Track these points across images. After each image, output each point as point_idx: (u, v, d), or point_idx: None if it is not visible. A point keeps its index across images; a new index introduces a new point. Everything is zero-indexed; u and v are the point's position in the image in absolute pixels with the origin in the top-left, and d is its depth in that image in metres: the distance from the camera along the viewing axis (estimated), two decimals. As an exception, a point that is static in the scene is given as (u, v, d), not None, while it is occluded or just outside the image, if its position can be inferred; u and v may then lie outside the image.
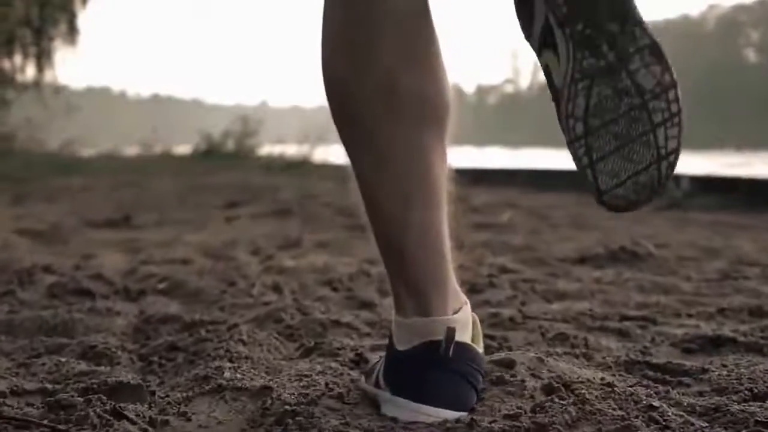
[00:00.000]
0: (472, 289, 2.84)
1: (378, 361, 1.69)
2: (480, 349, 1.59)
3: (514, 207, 6.75)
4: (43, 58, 21.96)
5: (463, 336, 1.54)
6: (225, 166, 13.52)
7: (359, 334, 2.30)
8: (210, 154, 16.74)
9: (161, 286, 3.05)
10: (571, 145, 1.43)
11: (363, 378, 1.72)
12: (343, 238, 4.65)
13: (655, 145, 1.40)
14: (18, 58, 21.87)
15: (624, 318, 2.49)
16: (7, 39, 21.00)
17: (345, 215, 5.71)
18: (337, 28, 1.52)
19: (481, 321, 1.69)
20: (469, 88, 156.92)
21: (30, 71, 21.54)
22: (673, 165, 1.42)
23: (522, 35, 1.52)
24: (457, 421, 1.47)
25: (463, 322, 1.55)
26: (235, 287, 3.01)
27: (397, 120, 1.50)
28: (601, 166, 1.41)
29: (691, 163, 15.34)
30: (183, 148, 18.88)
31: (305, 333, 2.28)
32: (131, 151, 19.65)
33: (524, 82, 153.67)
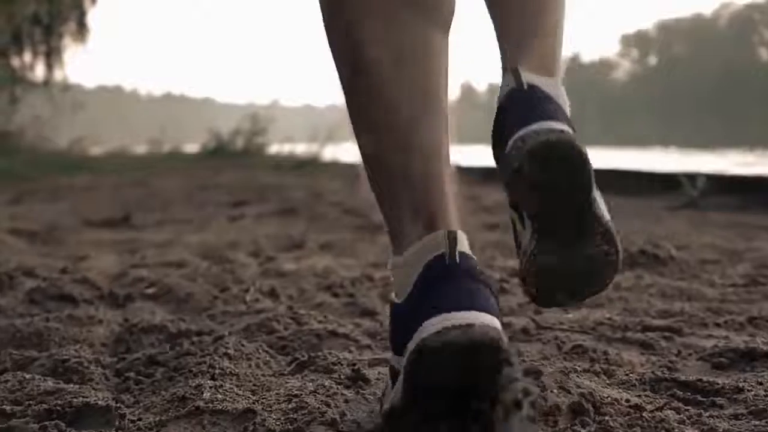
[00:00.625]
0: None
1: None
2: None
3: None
4: (52, 55, 21.90)
5: (464, 248, 1.34)
6: (233, 165, 13.36)
7: (358, 346, 2.11)
8: (219, 153, 16.59)
9: (150, 291, 2.86)
10: (524, 281, 1.53)
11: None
12: (348, 239, 4.46)
13: (601, 281, 1.56)
14: (27, 56, 21.83)
15: (646, 328, 2.29)
16: (16, 36, 20.94)
17: (352, 215, 5.53)
18: None
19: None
20: (481, 87, 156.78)
21: (40, 69, 21.49)
22: (613, 264, 1.54)
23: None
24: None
25: (463, 239, 1.35)
26: (228, 293, 2.82)
27: (409, 17, 1.42)
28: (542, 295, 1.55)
29: (705, 162, 15.13)
30: (192, 147, 18.76)
31: (299, 345, 2.09)
32: (140, 149, 19.55)
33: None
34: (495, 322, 1.24)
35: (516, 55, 1.58)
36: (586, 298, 1.59)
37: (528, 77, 1.54)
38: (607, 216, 1.53)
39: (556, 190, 1.46)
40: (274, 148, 17.04)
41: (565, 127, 1.49)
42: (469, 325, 1.18)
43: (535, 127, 1.47)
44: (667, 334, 2.22)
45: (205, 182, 9.70)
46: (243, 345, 1.98)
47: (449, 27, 1.47)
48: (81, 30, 22.23)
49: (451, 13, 1.48)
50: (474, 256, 1.32)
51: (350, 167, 10.71)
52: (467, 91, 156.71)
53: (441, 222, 1.36)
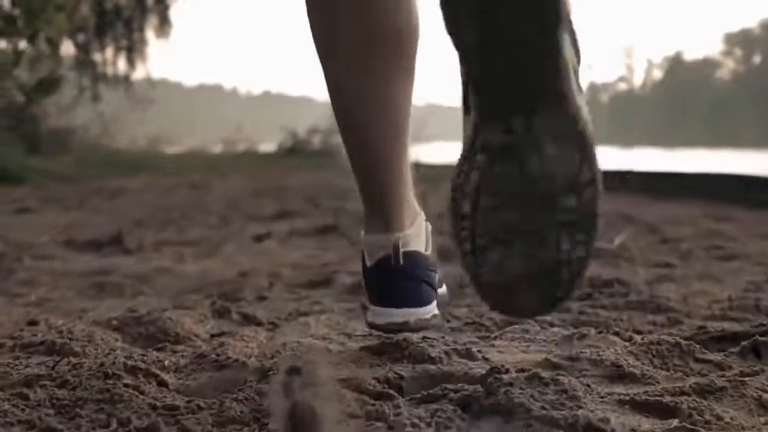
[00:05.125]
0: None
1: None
2: (427, 251, 1.76)
3: (628, 222, 5.30)
4: (134, 51, 21.37)
5: (417, 245, 1.74)
6: (307, 166, 12.36)
7: None
8: (295, 152, 15.62)
9: None
10: (454, 226, 1.28)
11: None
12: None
13: (555, 248, 1.21)
14: (109, 51, 21.31)
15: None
16: (99, 31, 20.47)
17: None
18: None
19: None
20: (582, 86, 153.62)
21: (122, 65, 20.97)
22: (576, 275, 1.23)
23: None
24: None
25: (416, 231, 1.75)
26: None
27: (366, 50, 1.60)
28: (484, 256, 1.25)
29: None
30: (270, 146, 17.87)
31: None
32: (216, 148, 18.75)
33: (637, 80, 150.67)
34: (425, 311, 1.70)
35: None
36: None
37: None
38: (581, 97, 1.24)
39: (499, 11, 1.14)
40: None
41: None
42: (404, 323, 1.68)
43: None
44: None
45: (264, 186, 8.69)
46: None
47: (412, 56, 1.64)
48: (163, 24, 21.64)
49: (415, 41, 1.64)
50: (417, 249, 1.73)
51: (431, 168, 9.57)
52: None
53: (392, 226, 1.72)
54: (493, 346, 1.90)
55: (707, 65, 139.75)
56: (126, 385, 1.44)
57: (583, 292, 2.89)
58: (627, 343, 1.84)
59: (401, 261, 1.70)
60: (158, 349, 1.85)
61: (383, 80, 1.63)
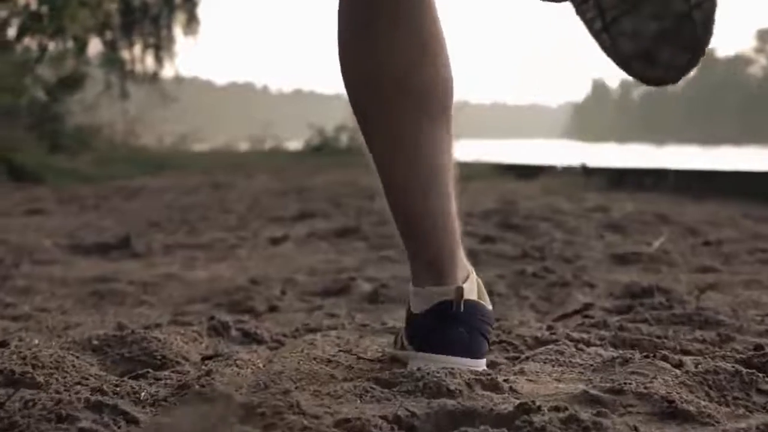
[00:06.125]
0: None
1: (400, 330, 1.81)
2: (488, 305, 1.69)
3: (666, 223, 5.03)
4: (161, 48, 21.22)
5: (470, 294, 1.65)
6: (333, 164, 12.10)
7: None
8: (322, 150, 15.37)
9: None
10: (579, 8, 1.31)
11: (391, 346, 1.85)
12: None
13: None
14: (137, 49, 21.16)
15: None
16: (127, 28, 20.36)
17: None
18: (345, 34, 1.61)
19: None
20: (613, 83, 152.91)
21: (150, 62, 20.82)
22: (709, 15, 1.23)
23: None
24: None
25: (470, 285, 1.66)
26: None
27: (404, 113, 1.59)
28: (617, 27, 1.26)
29: None
30: (297, 144, 17.63)
31: None
32: (244, 146, 18.53)
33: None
34: (477, 364, 1.61)
35: None
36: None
37: None
38: None
39: None
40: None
41: None
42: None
43: None
44: None
45: (287, 186, 8.46)
46: None
47: (444, 108, 1.62)
48: (191, 21, 21.48)
49: (446, 93, 1.61)
50: (475, 299, 1.65)
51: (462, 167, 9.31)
52: (600, 88, 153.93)
53: (446, 279, 1.65)
54: (522, 372, 1.65)
55: (739, 62, 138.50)
56: (81, 430, 1.20)
57: (622, 303, 2.64)
58: (678, 371, 1.59)
59: (462, 307, 1.62)
60: (137, 377, 1.62)
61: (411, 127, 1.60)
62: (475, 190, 7.09)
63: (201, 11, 21.42)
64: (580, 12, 1.31)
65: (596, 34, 1.29)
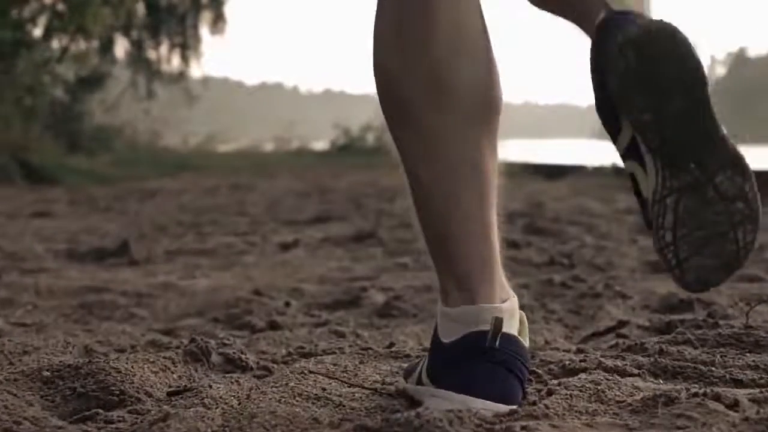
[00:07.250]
0: None
1: (419, 360, 1.64)
2: (526, 343, 1.53)
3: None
4: (188, 48, 21.07)
5: (510, 328, 1.48)
6: (357, 164, 11.86)
7: None
8: (347, 150, 15.12)
9: None
10: (661, 251, 1.46)
11: (402, 378, 1.65)
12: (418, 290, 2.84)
13: (734, 242, 1.46)
14: (164, 48, 21.03)
15: None
16: (154, 27, 20.24)
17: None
18: (390, 27, 1.52)
19: None
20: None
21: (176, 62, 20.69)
22: (749, 251, 1.46)
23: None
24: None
25: (510, 312, 1.50)
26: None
27: (446, 114, 1.50)
28: (686, 265, 1.46)
29: None
30: (323, 144, 17.39)
31: None
32: (269, 147, 18.32)
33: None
34: (506, 409, 1.38)
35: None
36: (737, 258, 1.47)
37: None
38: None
39: (667, 82, 1.41)
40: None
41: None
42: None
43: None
44: None
45: (309, 186, 8.22)
46: None
47: (495, 119, 1.54)
48: (218, 21, 21.33)
49: (497, 103, 1.54)
50: (514, 333, 1.48)
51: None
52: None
53: (481, 297, 1.48)
54: (546, 415, 1.36)
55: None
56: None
57: (661, 320, 2.36)
58: (734, 415, 1.30)
59: (497, 342, 1.45)
60: (84, 419, 1.36)
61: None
62: (500, 191, 6.82)
63: (233, 11, 21.25)
64: (659, 248, 1.47)
65: (670, 269, 1.47)
